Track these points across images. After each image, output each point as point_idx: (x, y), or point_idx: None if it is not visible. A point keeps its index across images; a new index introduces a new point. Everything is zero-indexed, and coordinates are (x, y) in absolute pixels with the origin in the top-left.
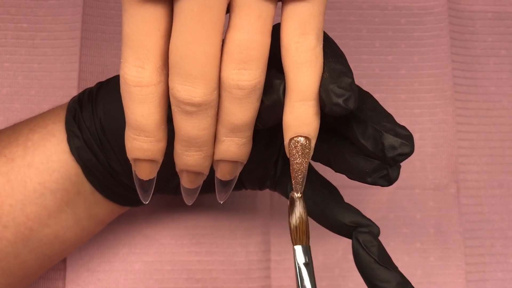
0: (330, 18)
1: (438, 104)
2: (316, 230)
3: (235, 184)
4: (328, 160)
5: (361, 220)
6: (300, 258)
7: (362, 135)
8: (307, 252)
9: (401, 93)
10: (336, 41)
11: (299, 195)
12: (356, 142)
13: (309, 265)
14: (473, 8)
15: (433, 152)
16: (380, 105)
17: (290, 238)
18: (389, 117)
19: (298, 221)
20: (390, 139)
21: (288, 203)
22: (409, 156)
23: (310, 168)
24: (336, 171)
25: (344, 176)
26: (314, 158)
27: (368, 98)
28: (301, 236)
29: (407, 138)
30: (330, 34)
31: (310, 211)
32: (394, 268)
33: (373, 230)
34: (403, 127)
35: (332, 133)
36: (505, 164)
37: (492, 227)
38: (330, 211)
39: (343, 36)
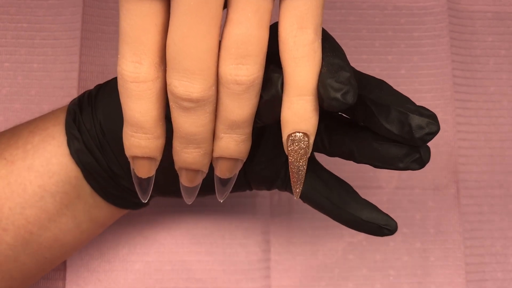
0: (330, 18)
1: (438, 104)
2: (316, 230)
3: (241, 185)
4: (351, 152)
5: (378, 216)
6: None
7: (385, 120)
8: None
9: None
10: None
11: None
12: (379, 128)
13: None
14: (473, 8)
15: (433, 152)
16: (396, 90)
17: (290, 238)
18: (409, 100)
19: None
20: (416, 119)
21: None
22: (436, 134)
23: (321, 167)
24: (359, 162)
25: (343, 176)
26: (334, 153)
27: (384, 84)
28: None
29: (432, 117)
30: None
31: (327, 209)
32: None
33: (390, 224)
34: (425, 108)
35: (348, 125)
36: (505, 164)
37: (492, 227)
38: (347, 208)
39: (343, 36)
